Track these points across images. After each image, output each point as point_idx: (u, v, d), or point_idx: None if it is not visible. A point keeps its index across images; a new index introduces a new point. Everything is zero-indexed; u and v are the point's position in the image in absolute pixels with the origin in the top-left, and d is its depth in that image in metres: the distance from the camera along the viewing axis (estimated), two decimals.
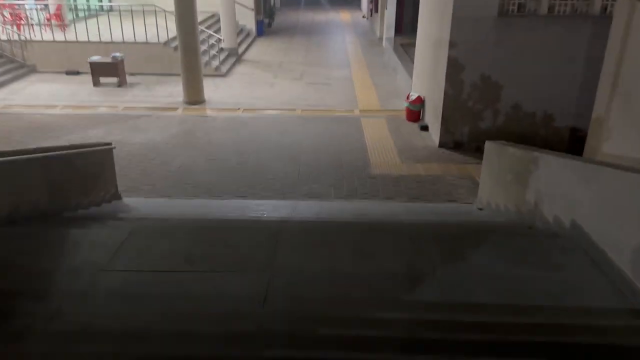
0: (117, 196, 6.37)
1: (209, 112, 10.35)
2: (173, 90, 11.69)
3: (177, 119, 9.84)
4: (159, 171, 7.45)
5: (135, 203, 6.28)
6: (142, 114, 10.10)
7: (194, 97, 10.80)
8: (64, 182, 5.04)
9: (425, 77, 9.70)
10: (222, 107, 10.66)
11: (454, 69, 8.05)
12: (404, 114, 10.09)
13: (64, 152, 5.04)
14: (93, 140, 8.58)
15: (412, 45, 14.73)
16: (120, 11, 13.37)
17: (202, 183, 7.04)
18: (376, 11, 19.18)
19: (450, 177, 7.31)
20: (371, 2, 21.29)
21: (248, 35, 18.42)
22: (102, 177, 5.98)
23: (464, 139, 8.44)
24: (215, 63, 13.22)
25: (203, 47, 13.07)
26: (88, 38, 12.81)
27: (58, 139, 8.50)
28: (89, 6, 16.36)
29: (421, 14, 10.31)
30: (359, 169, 7.56)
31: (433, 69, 8.97)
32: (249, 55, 15.96)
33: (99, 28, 12.85)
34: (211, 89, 12.00)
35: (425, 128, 9.32)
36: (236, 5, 17.89)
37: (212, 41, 13.87)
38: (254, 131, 9.21)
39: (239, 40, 16.73)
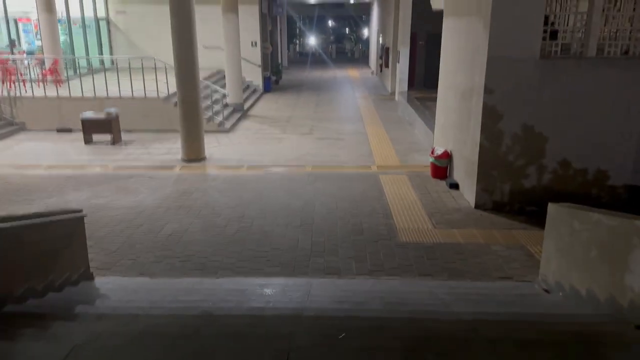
0: (88, 276, 5.14)
1: (209, 171, 9.25)
2: (171, 148, 10.68)
3: (173, 179, 8.72)
4: (145, 241, 6.22)
5: (108, 285, 5.02)
6: (134, 173, 9.01)
7: (193, 154, 9.75)
8: (8, 264, 3.82)
9: (451, 131, 8.62)
10: (224, 165, 9.57)
11: (491, 118, 6.95)
12: (427, 170, 8.94)
13: (9, 224, 3.84)
14: (73, 204, 7.43)
15: (428, 99, 13.85)
16: (117, 68, 12.61)
17: (194, 256, 5.79)
18: (386, 66, 18.55)
19: (497, 246, 6.02)
20: (381, 58, 20.76)
21: (255, 91, 17.73)
22: (68, 252, 4.76)
23: (504, 199, 7.21)
24: (218, 118, 12.30)
25: (206, 102, 12.21)
26: (82, 93, 11.99)
27: (31, 204, 7.36)
28: (88, 61, 15.76)
29: (444, 63, 9.38)
30: (384, 236, 6.30)
31: (462, 120, 7.89)
32: (256, 110, 15.13)
33: (94, 83, 12.05)
34: (213, 145, 11.00)
35: (455, 186, 8.12)
36: (243, 62, 17.33)
37: (215, 96, 13.04)
38: (259, 191, 8.05)
39: (245, 96, 15.97)
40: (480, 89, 6.98)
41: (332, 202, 7.57)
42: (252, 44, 17.50)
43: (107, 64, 16.65)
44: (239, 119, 13.52)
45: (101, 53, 16.56)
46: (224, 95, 13.56)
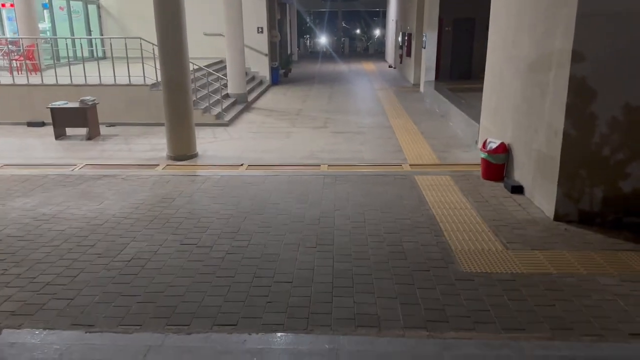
0: None
1: (199, 171, 7.37)
2: (158, 143, 8.84)
3: (152, 181, 6.86)
4: (93, 268, 4.35)
5: (19, 342, 3.18)
6: (106, 173, 7.16)
7: (182, 149, 7.88)
8: None
9: (509, 116, 6.67)
10: (219, 164, 7.70)
11: (580, 96, 5.00)
12: (477, 169, 7.01)
13: None
14: (13, 215, 5.59)
15: (460, 89, 11.90)
16: (96, 53, 10.80)
17: (160, 294, 3.91)
18: (408, 55, 16.61)
19: (607, 278, 4.06)
20: (401, 47, 18.82)
21: (261, 83, 15.87)
22: None
23: (595, 208, 5.24)
24: (216, 110, 10.44)
25: (203, 92, 10.36)
26: (56, 80, 10.20)
27: None
28: (74, 49, 13.98)
29: (495, 30, 7.46)
30: (437, 263, 4.37)
31: (530, 101, 5.94)
32: (261, 103, 13.26)
33: (70, 70, 10.26)
34: (208, 140, 9.14)
35: (518, 189, 6.16)
36: (248, 51, 15.50)
37: (214, 85, 11.19)
38: (261, 197, 6.17)
39: (249, 87, 14.11)
40: (565, 56, 5.03)
41: (357, 212, 5.65)
42: (258, 30, 15.68)
43: (99, 52, 14.91)
44: (242, 112, 11.66)
45: (89, 40, 14.82)
46: (224, 85, 11.73)
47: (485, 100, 7.78)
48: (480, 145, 7.39)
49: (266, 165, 7.60)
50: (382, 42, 34.95)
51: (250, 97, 13.19)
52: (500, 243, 4.77)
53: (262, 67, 16.14)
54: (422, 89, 14.38)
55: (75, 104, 9.15)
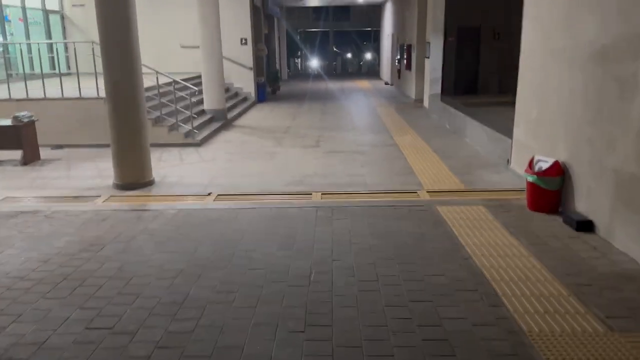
0: None
1: (151, 203, 5.59)
2: (107, 169, 7.03)
3: (83, 219, 5.06)
4: None
5: None
6: (25, 209, 5.37)
7: (132, 176, 6.11)
8: None
9: (560, 127, 4.99)
10: (180, 193, 5.93)
11: None
12: (517, 197, 5.31)
13: None
14: None
15: (472, 104, 10.30)
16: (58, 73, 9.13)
17: None
18: (408, 68, 15.08)
19: None
20: (398, 62, 17.33)
21: (245, 99, 14.22)
22: None
23: None
24: (185, 127, 8.69)
25: (171, 107, 8.66)
26: None
27: None
28: (32, 63, 12.26)
29: (534, 17, 5.85)
30: (502, 356, 2.59)
31: (597, 105, 4.26)
32: (244, 120, 11.55)
33: (9, 84, 8.54)
34: (172, 163, 7.38)
35: (586, 225, 4.44)
36: (231, 65, 13.91)
37: (185, 101, 9.49)
38: (229, 241, 4.40)
39: (231, 103, 12.44)
40: None
41: (365, 262, 3.89)
42: (241, 42, 14.11)
43: (63, 66, 13.19)
44: (219, 129, 9.94)
45: (50, 53, 13.14)
46: (199, 101, 10.05)
47: (521, 110, 6.11)
48: (513, 163, 5.70)
49: (241, 194, 5.85)
50: (374, 62, 33.69)
51: (232, 114, 11.50)
52: (597, 318, 3.01)
53: (246, 83, 14.53)
54: (426, 103, 12.78)
55: (7, 121, 7.39)
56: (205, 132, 9.11)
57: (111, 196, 5.85)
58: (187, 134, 8.54)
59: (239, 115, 12.17)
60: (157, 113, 8.43)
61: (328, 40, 40.29)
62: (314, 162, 7.39)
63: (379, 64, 31.61)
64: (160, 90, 8.49)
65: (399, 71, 17.27)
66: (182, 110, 8.95)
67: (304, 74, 31.33)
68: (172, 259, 4.05)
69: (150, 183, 6.24)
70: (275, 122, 11.17)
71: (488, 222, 4.74)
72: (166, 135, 8.33)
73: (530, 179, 5.02)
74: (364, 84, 21.70)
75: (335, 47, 40.17)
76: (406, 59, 15.14)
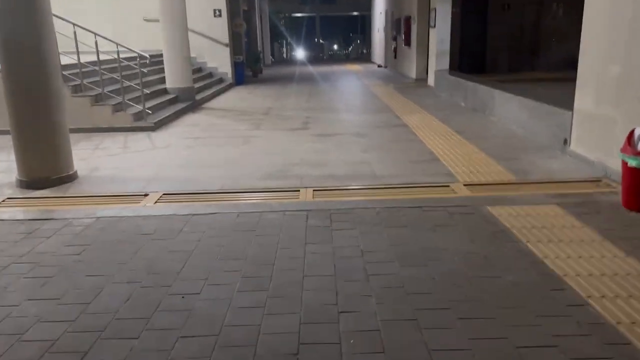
0: None
1: (59, 208, 3.75)
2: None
3: None
4: None
5: None
6: None
7: (42, 170, 4.25)
8: None
9: None
10: (109, 193, 4.09)
11: None
12: (600, 191, 3.58)
13: None
14: None
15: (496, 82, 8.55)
16: None
17: None
18: (407, 44, 13.28)
19: None
20: (394, 39, 15.52)
21: (221, 81, 12.32)
22: None
23: None
24: (135, 108, 6.80)
25: (114, 86, 6.76)
26: None
27: None
28: None
29: None
30: None
31: None
32: (216, 102, 9.67)
33: None
34: (112, 151, 5.52)
35: None
36: (203, 41, 12.02)
37: (137, 75, 7.60)
38: (162, 273, 2.62)
39: (201, 84, 10.55)
40: None
41: (400, 323, 2.11)
42: (215, 13, 12.19)
43: None
44: (183, 111, 8.06)
45: None
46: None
47: (589, 67, 4.35)
48: (575, 143, 3.92)
49: (196, 193, 4.03)
50: (363, 48, 31.87)
51: (202, 96, 9.62)
52: None
53: (222, 62, 12.63)
54: (431, 81, 11.00)
55: None
56: (165, 114, 7.23)
57: (6, 198, 3.99)
58: (138, 116, 6.66)
59: (212, 97, 10.29)
60: (99, 90, 6.54)
61: (314, 26, 38.43)
62: (302, 147, 5.58)
63: (368, 49, 29.86)
64: (106, 66, 6.60)
65: (395, 50, 15.47)
66: (135, 86, 7.06)
67: (289, 61, 29.40)
68: (46, 315, 2.24)
69: (69, 178, 4.39)
70: (255, 104, 9.31)
71: (578, 232, 2.98)
72: (110, 118, 6.46)
73: (632, 162, 3.27)
74: (355, 67, 19.86)
75: (322, 34, 38.32)
76: (404, 33, 13.33)
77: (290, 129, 6.67)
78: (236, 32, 13.76)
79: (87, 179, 4.49)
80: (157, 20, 9.41)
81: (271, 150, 5.47)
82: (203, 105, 9.16)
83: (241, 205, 3.73)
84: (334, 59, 30.71)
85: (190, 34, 12.00)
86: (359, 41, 32.26)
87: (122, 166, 4.92)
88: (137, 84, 6.95)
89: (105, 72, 6.70)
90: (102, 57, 6.85)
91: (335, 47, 38.86)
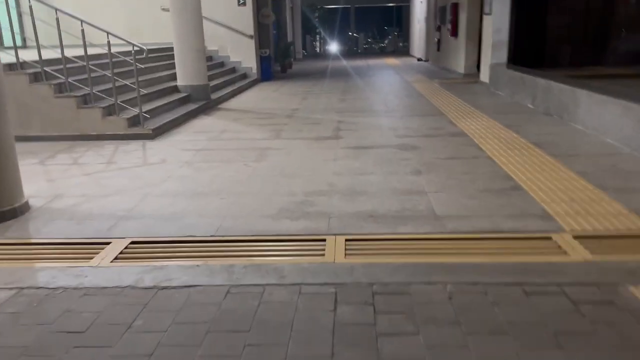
0: None
1: None
2: None
3: None
4: None
5: None
6: None
7: None
8: None
9: None
10: (57, 239, 2.89)
11: None
12: None
13: None
14: None
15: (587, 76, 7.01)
16: None
17: None
18: (453, 35, 11.76)
19: None
20: (437, 30, 13.98)
21: (245, 77, 11.13)
22: None
23: None
24: (131, 111, 5.60)
25: (108, 84, 5.59)
26: None
27: None
28: None
29: None
30: None
31: None
32: (236, 102, 8.44)
33: None
34: (89, 169, 4.34)
35: None
36: (225, 32, 10.89)
37: (126, 64, 6.45)
38: None
39: (220, 80, 9.37)
40: None
41: None
42: (238, 1, 11.00)
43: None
44: (193, 113, 6.87)
45: None
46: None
47: None
48: None
49: (178, 242, 2.79)
50: (401, 41, 30.19)
51: (220, 94, 8.42)
52: None
53: (246, 57, 11.44)
54: (484, 77, 9.49)
55: None
56: (168, 118, 6.03)
57: None
58: (134, 121, 5.48)
59: (232, 95, 9.08)
60: (87, 90, 5.39)
61: (348, 19, 36.92)
62: (331, 165, 4.27)
63: (405, 42, 28.19)
64: (97, 61, 5.45)
65: (438, 42, 13.92)
66: (131, 85, 5.88)
67: (321, 55, 28.06)
68: None
69: (14, 213, 3.22)
70: (279, 104, 8.04)
71: None
72: (99, 123, 5.31)
73: None
74: (392, 60, 18.37)
75: (356, 26, 36.80)
76: (451, 22, 11.80)
77: (318, 137, 5.36)
78: (263, 23, 12.53)
79: (40, 214, 3.32)
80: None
81: (291, 170, 4.19)
82: (220, 105, 7.95)
83: (236, 268, 2.47)
84: (369, 52, 29.18)
85: (210, 24, 10.90)
86: (395, 33, 30.55)
87: (94, 192, 3.73)
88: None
89: (96, 69, 5.54)
90: (96, 50, 5.71)
91: (370, 40, 37.29)
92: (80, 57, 5.44)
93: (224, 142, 5.27)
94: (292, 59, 15.47)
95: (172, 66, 7.73)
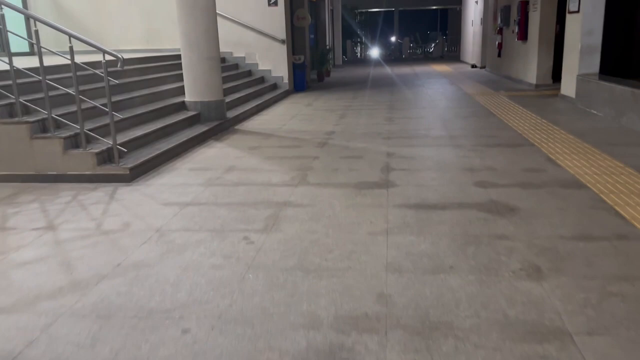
0: None
1: None
2: None
3: None
4: None
5: None
6: None
7: None
8: None
9: None
10: None
11: None
12: None
13: None
14: None
15: None
16: None
17: None
18: (521, 38, 9.88)
19: None
20: (499, 32, 12.10)
21: (275, 88, 9.65)
22: None
23: None
24: (103, 144, 4.11)
25: (68, 107, 4.13)
26: None
27: None
28: None
29: None
30: None
31: None
32: (259, 120, 6.90)
33: None
34: (6, 243, 2.85)
35: None
36: (253, 36, 9.49)
37: (158, 85, 5.01)
38: None
39: (240, 94, 7.89)
40: None
41: None
42: (269, 1, 9.53)
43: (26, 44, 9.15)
44: (199, 139, 5.36)
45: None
46: (178, 91, 5.54)
47: None
48: None
49: None
50: (447, 44, 28.18)
51: (242, 110, 6.92)
52: None
53: (278, 64, 9.95)
54: (568, 90, 7.61)
55: None
56: (160, 148, 4.52)
57: None
58: (106, 155, 3.99)
59: (256, 110, 7.57)
60: (44, 114, 3.95)
61: (391, 22, 35.15)
62: (379, 248, 2.63)
63: (453, 46, 26.19)
64: (58, 75, 4.02)
65: (499, 46, 12.04)
66: (102, 108, 4.41)
67: (363, 61, 26.38)
68: None
69: None
70: (311, 124, 6.46)
71: None
72: (60, 158, 3.86)
73: None
74: (442, 67, 16.52)
75: (400, 30, 34.96)
76: (519, 24, 9.93)
77: (360, 185, 3.73)
78: (298, 26, 11.02)
79: None
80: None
81: (317, 256, 2.58)
82: (238, 126, 6.43)
83: None
84: (413, 58, 27.31)
85: (236, 27, 9.49)
86: (443, 37, 28.52)
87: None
88: (108, 103, 4.30)
89: (58, 85, 4.10)
90: (64, 61, 4.30)
91: (413, 44, 35.38)
92: (35, 70, 4.02)
93: (225, 190, 3.71)
94: (330, 66, 13.88)
95: (181, 77, 6.28)
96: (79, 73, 4.10)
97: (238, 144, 5.30)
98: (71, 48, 3.77)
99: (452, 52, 25.66)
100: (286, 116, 7.21)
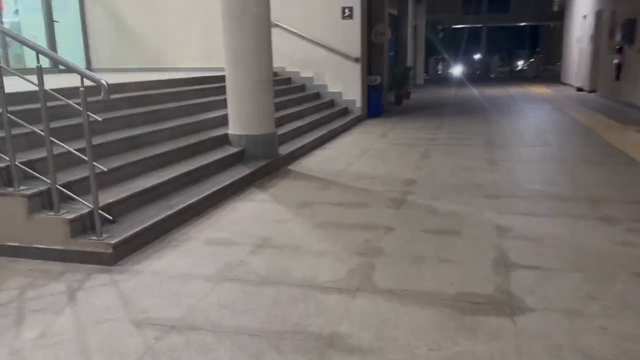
0: None
1: None
2: None
3: None
4: None
5: None
6: None
7: None
8: None
9: None
10: None
11: None
12: None
13: None
14: None
15: None
16: None
17: None
18: None
19: None
20: (617, 52, 10.04)
21: (346, 113, 8.33)
22: None
23: None
24: (75, 209, 2.88)
25: (37, 152, 2.97)
26: None
27: None
28: None
29: None
30: None
31: None
32: (320, 158, 5.56)
33: None
34: None
35: None
36: (313, 46, 8.27)
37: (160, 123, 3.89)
38: None
39: (302, 123, 6.62)
40: None
41: None
42: (343, 13, 8.28)
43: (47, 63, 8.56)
44: (236, 187, 4.11)
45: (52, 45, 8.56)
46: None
47: None
48: None
49: None
50: (541, 63, 25.59)
51: (301, 143, 5.65)
52: None
53: (349, 86, 8.64)
54: None
55: None
56: (175, 205, 3.29)
57: None
58: (86, 223, 2.80)
59: (320, 142, 6.25)
60: (6, 160, 2.83)
61: (478, 39, 32.97)
62: None
63: (548, 65, 23.67)
64: (25, 106, 2.91)
65: (618, 67, 9.97)
66: (80, 155, 3.26)
67: (445, 80, 24.54)
68: None
69: None
70: (383, 167, 5.02)
71: None
72: (22, 224, 2.72)
73: None
74: (540, 90, 14.44)
75: (489, 46, 32.67)
76: None
77: (459, 302, 2.25)
78: (377, 42, 9.68)
79: None
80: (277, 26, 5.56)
81: None
82: (293, 165, 5.13)
83: None
84: (502, 78, 25.02)
85: (302, 43, 8.29)
86: (540, 56, 25.90)
87: None
88: (87, 146, 3.11)
89: (24, 123, 2.99)
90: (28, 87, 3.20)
91: (501, 62, 32.90)
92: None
93: (242, 295, 2.36)
94: (410, 87, 12.36)
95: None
96: (53, 103, 2.98)
97: (285, 197, 3.98)
98: (39, 68, 2.62)
99: (548, 72, 23.16)
100: (355, 151, 5.83)
